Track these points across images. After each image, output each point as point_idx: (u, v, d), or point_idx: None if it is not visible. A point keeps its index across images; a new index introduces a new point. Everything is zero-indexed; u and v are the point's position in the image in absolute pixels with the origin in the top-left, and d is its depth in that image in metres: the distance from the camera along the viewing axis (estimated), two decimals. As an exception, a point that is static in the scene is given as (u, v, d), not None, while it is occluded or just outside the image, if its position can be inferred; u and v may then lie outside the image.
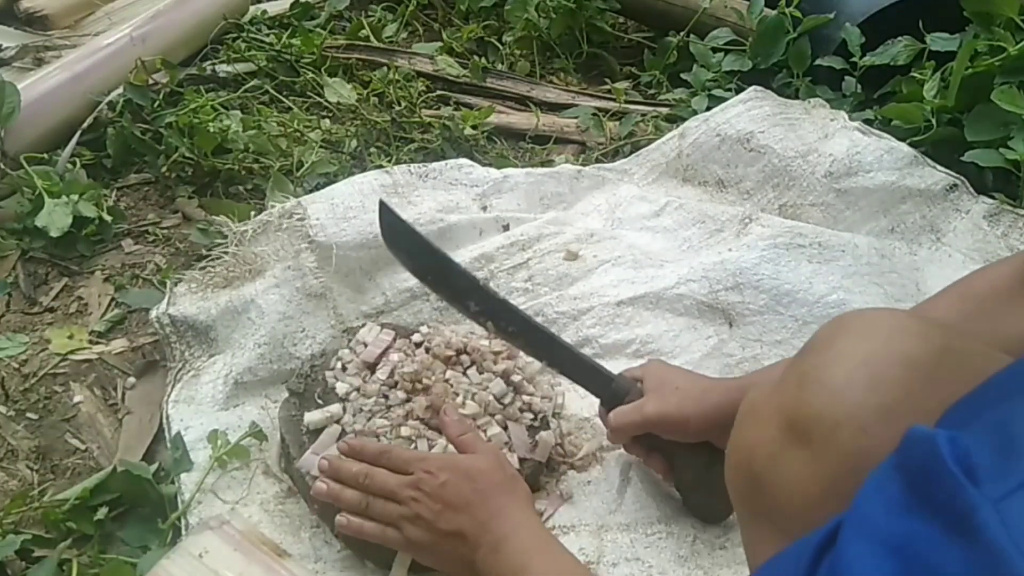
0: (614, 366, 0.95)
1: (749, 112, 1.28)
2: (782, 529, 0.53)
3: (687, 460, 0.87)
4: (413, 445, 0.87)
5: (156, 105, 1.38)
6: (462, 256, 1.12)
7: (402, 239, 0.92)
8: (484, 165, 1.28)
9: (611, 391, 0.90)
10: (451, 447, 0.85)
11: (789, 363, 0.58)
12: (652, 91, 1.61)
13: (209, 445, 0.93)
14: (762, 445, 0.56)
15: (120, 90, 1.38)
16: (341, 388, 0.92)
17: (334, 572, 0.85)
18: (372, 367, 0.95)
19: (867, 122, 1.30)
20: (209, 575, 0.78)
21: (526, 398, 0.95)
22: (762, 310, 1.07)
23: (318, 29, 1.67)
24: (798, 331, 1.06)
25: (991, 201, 1.20)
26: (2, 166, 1.26)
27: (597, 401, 0.92)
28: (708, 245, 1.18)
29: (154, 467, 0.93)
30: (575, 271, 1.14)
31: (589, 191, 1.28)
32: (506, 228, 1.17)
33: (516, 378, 0.95)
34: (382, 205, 0.93)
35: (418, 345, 0.97)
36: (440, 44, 1.69)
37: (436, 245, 0.93)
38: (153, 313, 1.05)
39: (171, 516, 0.88)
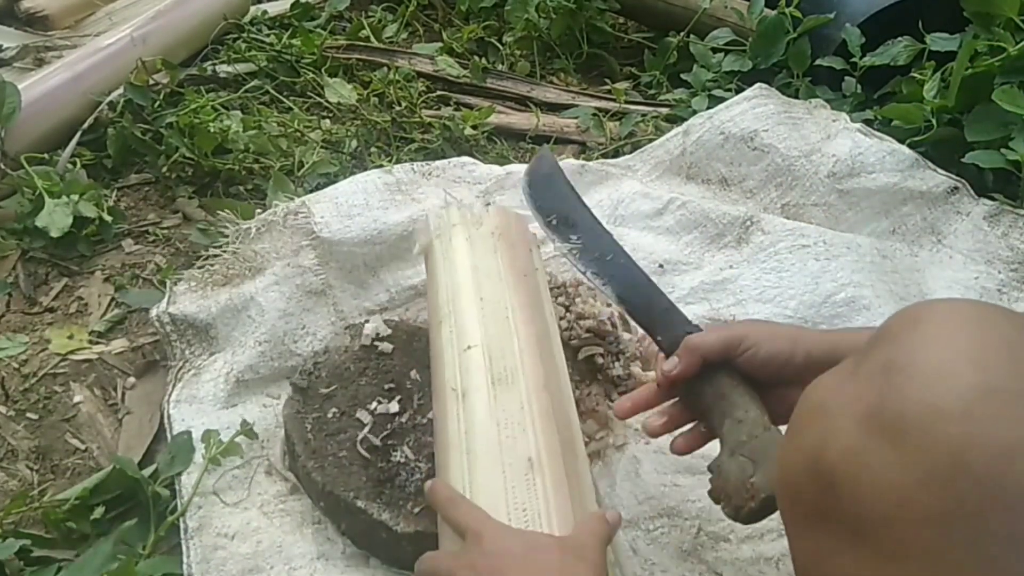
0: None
1: (754, 110, 1.28)
2: (859, 532, 0.48)
3: (746, 411, 0.72)
4: None
5: (156, 105, 1.38)
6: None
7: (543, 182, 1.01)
8: (485, 165, 1.27)
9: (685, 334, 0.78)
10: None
11: (858, 358, 0.52)
12: (652, 91, 1.62)
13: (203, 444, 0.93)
14: (835, 439, 0.49)
15: (120, 90, 1.38)
16: None
17: (336, 570, 0.84)
18: None
19: (867, 122, 1.30)
20: None
21: None
22: (767, 317, 1.06)
23: (318, 29, 1.68)
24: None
25: (991, 202, 1.20)
26: (2, 166, 1.26)
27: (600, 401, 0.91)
28: (710, 251, 1.18)
29: (153, 467, 0.92)
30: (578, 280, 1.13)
31: (592, 186, 1.27)
32: None
33: None
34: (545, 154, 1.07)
35: None
36: (440, 44, 1.69)
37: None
38: (153, 312, 1.05)
39: (169, 518, 0.88)
